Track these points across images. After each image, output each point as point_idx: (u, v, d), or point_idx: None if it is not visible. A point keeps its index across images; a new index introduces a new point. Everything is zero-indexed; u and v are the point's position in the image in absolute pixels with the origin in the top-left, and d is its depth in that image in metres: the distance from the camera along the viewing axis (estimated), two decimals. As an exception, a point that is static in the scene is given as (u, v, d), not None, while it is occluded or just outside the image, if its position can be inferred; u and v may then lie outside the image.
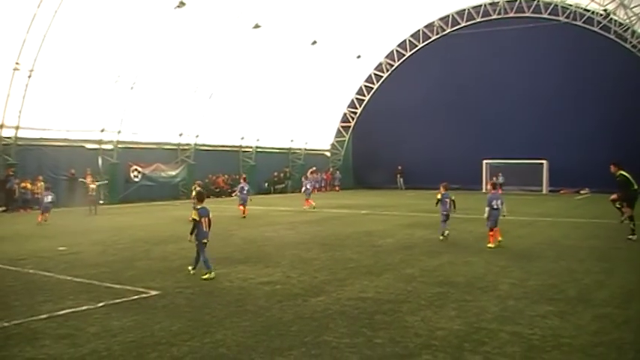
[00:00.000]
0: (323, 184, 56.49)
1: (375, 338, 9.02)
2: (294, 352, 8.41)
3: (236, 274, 14.17)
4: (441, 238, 20.38)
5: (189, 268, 14.31)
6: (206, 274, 13.73)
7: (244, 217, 28.97)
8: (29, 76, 33.92)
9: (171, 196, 40.54)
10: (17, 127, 34.96)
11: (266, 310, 10.74)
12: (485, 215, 18.86)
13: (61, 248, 18.68)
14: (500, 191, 20.03)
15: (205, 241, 14.22)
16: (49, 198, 28.87)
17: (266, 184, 52.73)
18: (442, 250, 17.93)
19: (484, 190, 47.60)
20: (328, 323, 9.82)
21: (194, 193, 28.59)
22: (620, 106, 45.85)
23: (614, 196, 20.93)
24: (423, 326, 9.64)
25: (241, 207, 29.62)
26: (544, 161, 48.19)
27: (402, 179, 56.14)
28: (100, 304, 11.17)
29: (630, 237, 19.89)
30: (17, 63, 33.37)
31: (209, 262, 13.98)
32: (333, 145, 61.47)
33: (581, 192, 46.14)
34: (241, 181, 31.77)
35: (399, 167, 55.95)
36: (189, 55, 41.59)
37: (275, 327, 9.62)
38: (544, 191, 48.85)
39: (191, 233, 14.13)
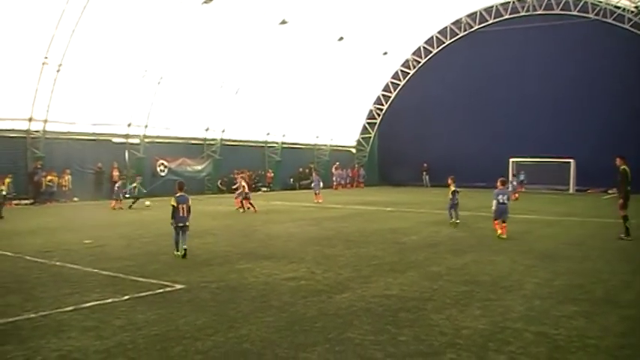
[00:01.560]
0: (348, 181, 56.50)
1: (400, 336, 8.99)
2: (318, 348, 8.41)
3: (260, 269, 14.21)
4: (454, 221, 23.76)
5: (175, 252, 16.08)
6: (177, 252, 16.03)
7: (243, 210, 29.97)
8: (58, 71, 34.26)
9: (196, 190, 40.68)
10: (45, 121, 35.35)
11: (290, 305, 10.74)
12: (493, 208, 20.47)
13: (87, 241, 18.83)
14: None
15: (181, 224, 16.05)
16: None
17: (291, 180, 52.81)
18: (467, 249, 17.83)
19: (510, 189, 47.43)
20: (352, 320, 9.81)
21: (242, 183, 30.43)
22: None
23: (621, 211, 20.58)
24: (447, 325, 9.59)
25: (238, 201, 30.73)
26: (571, 160, 47.75)
27: (427, 176, 55.85)
28: (126, 297, 11.26)
29: (622, 236, 19.92)
30: (46, 57, 33.73)
31: (180, 245, 15.97)
32: (358, 141, 61.36)
33: (609, 192, 45.57)
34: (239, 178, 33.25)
35: (425, 164, 55.66)
36: (215, 50, 41.74)
37: (299, 323, 9.63)
38: (571, 190, 48.38)
39: (172, 218, 16.16)
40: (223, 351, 8.28)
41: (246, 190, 30.53)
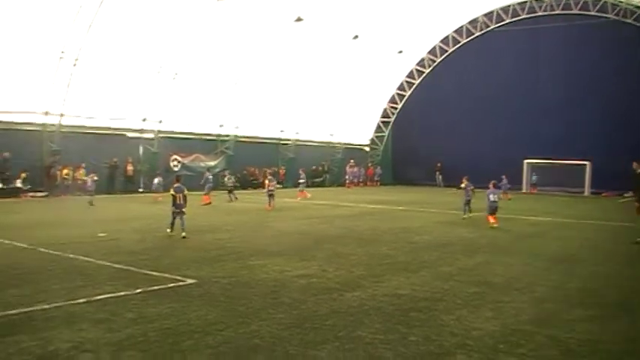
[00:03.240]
0: (361, 179, 56.43)
1: (410, 335, 8.98)
2: (327, 346, 8.42)
3: (272, 266, 14.23)
4: (465, 217, 26.23)
5: (168, 230, 19.17)
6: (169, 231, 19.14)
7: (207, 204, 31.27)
8: (74, 65, 34.34)
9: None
10: (61, 115, 35.49)
11: (301, 303, 10.75)
12: (487, 205, 24.10)
13: (100, 234, 18.94)
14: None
15: (178, 210, 19.15)
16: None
17: (304, 177, 52.76)
18: (479, 250, 17.79)
19: (524, 190, 47.25)
20: (363, 319, 9.80)
21: (267, 180, 31.61)
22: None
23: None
24: (458, 325, 9.57)
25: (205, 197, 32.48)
26: (587, 163, 47.46)
27: (440, 176, 55.60)
28: (138, 291, 11.32)
29: (639, 240, 19.56)
30: (62, 52, 33.82)
31: (176, 226, 19.02)
32: (372, 140, 61.19)
33: (625, 195, 45.29)
34: (207, 172, 35.98)
35: (438, 164, 55.44)
36: (231, 46, 41.65)
37: (310, 320, 9.64)
38: (586, 193, 48.13)
39: (172, 205, 19.26)
40: (234, 346, 8.31)
41: (270, 187, 30.84)
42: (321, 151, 55.94)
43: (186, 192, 19.61)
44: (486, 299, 11.47)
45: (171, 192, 19.65)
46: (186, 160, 42.86)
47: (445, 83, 54.90)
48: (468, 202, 26.61)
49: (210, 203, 31.56)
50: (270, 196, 30.24)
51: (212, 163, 44.81)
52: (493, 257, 16.43)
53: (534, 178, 49.79)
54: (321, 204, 33.96)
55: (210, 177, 35.19)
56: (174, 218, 19.19)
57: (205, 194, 32.60)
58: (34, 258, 14.77)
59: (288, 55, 45.23)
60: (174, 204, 19.23)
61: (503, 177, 42.58)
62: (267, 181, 31.62)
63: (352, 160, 55.47)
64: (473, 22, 55.04)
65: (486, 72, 53.01)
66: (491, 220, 23.55)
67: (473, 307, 10.84)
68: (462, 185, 27.22)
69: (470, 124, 53.33)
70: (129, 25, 35.06)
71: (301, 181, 38.72)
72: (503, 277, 13.66)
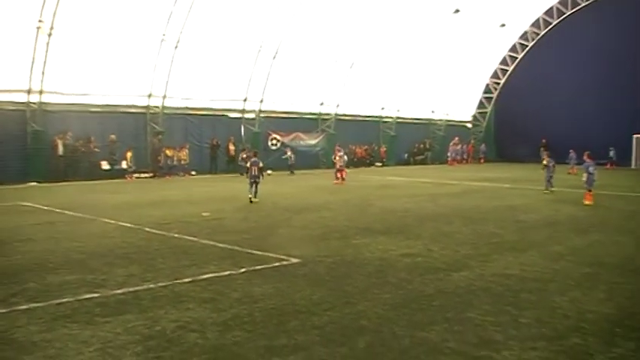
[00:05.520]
0: (464, 156, 55.51)
1: (521, 317, 8.65)
2: (436, 327, 8.20)
3: (376, 245, 14.06)
4: (546, 192, 26.56)
5: (250, 196, 22.55)
6: (250, 199, 22.50)
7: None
8: (175, 47, 35.04)
9: (310, 165, 40.90)
10: (164, 97, 36.44)
11: (407, 282, 10.54)
12: (584, 179, 23.31)
13: (204, 214, 19.22)
14: None
15: (252, 180, 22.77)
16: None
17: (406, 155, 52.35)
18: (589, 228, 17.10)
19: (633, 167, 45.39)
20: (471, 299, 9.52)
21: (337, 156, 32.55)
22: None
23: None
24: (571, 307, 9.17)
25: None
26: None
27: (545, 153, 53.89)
28: (242, 270, 11.36)
29: None
30: (164, 35, 34.53)
31: (252, 192, 22.63)
32: (474, 116, 60.13)
33: None
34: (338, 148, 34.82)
35: (543, 140, 53.56)
36: (330, 24, 41.60)
37: (417, 301, 9.42)
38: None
39: (246, 173, 25.01)
40: (340, 327, 8.19)
41: (340, 163, 32.35)
42: (423, 128, 55.37)
43: (261, 165, 23.41)
44: (600, 280, 10.98)
45: (248, 164, 23.82)
46: (286, 139, 43.06)
47: (550, 57, 52.99)
48: (550, 178, 27.25)
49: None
50: (339, 171, 31.98)
51: (313, 142, 44.99)
52: (605, 236, 15.77)
53: (611, 153, 47.44)
54: (424, 182, 33.57)
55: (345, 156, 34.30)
56: (250, 186, 22.78)
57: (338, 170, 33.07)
58: (140, 238, 15.09)
59: (388, 31, 44.77)
60: (251, 175, 22.91)
61: (571, 151, 40.72)
62: (338, 157, 32.68)
63: (457, 138, 54.57)
64: (579, -9, 52.75)
65: (593, 44, 50.56)
66: (589, 197, 22.91)
67: (586, 288, 10.37)
68: (544, 162, 27.84)
69: (576, 99, 51.23)
70: (228, 6, 35.58)
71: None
72: (617, 257, 13.04)
